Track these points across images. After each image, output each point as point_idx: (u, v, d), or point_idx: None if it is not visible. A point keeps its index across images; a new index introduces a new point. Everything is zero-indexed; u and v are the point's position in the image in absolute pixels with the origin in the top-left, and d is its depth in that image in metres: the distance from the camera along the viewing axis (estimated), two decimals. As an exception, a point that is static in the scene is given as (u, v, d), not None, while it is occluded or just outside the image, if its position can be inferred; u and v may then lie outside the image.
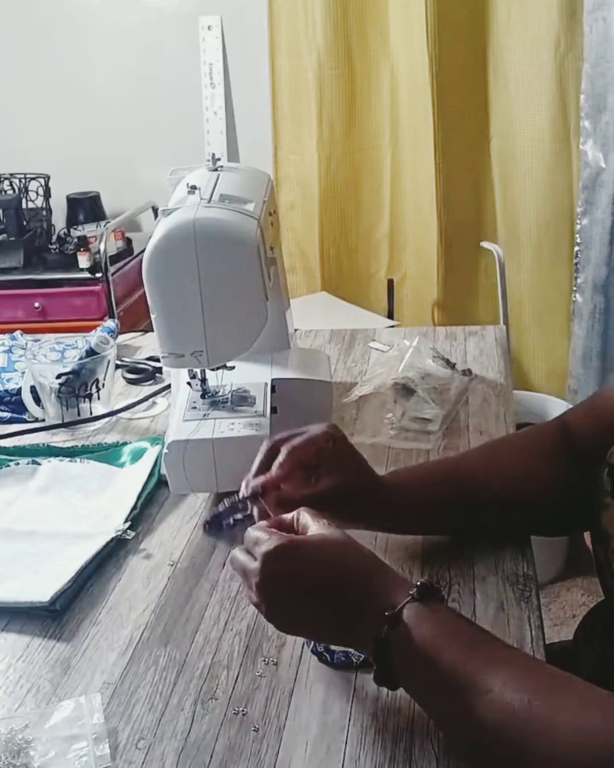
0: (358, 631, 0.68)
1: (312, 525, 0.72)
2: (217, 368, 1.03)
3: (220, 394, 1.06)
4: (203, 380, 1.05)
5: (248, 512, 0.85)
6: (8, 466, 1.13)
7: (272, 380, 1.11)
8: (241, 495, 0.84)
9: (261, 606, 0.70)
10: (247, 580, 0.71)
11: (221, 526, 0.92)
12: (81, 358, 1.24)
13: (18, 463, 1.13)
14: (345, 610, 0.68)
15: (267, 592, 0.69)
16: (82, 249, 2.42)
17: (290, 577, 0.69)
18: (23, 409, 1.27)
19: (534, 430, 1.01)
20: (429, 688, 0.66)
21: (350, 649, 0.78)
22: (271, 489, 0.82)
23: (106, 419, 1.25)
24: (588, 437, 0.90)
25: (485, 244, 2.39)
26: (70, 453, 1.16)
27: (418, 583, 0.67)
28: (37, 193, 2.56)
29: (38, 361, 1.26)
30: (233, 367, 1.04)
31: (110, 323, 1.39)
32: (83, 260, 2.41)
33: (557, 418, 0.99)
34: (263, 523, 0.75)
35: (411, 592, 0.67)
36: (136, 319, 2.24)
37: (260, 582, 0.68)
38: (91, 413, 1.24)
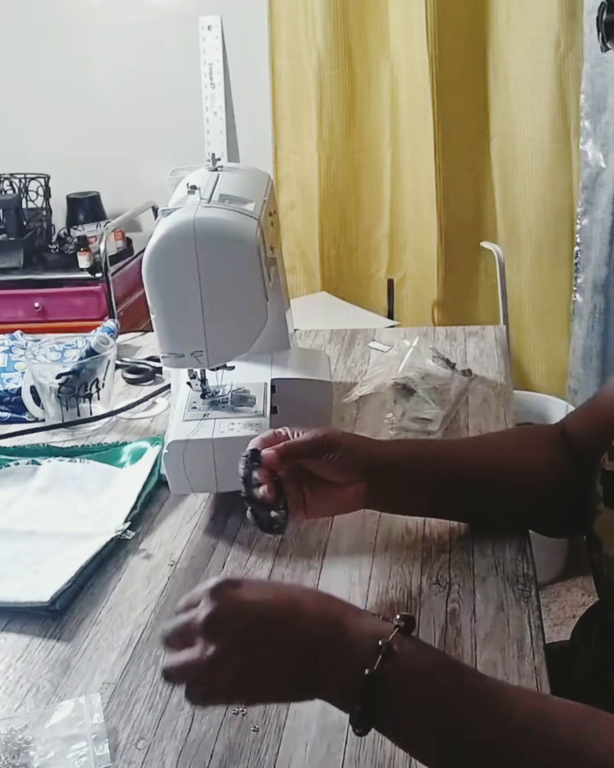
0: (336, 666, 0.60)
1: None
2: (217, 368, 1.03)
3: (220, 394, 1.06)
4: (203, 380, 1.05)
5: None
6: (8, 466, 1.13)
7: (272, 380, 1.11)
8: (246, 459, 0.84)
9: (213, 663, 0.60)
10: (188, 636, 0.62)
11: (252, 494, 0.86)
12: (81, 358, 1.24)
13: (18, 463, 1.13)
14: (316, 640, 0.61)
15: (216, 633, 0.61)
16: (82, 249, 2.42)
17: (244, 606, 0.62)
18: (23, 409, 1.27)
19: (533, 428, 1.02)
20: (434, 724, 0.60)
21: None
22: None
23: (106, 419, 1.25)
24: (586, 439, 0.90)
25: (485, 244, 2.39)
26: (70, 453, 1.16)
27: (399, 616, 0.62)
28: (37, 193, 2.56)
29: (38, 361, 1.26)
30: (233, 367, 1.04)
31: (110, 323, 1.39)
32: (83, 260, 2.41)
33: (558, 422, 0.99)
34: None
35: (396, 623, 0.61)
36: (136, 319, 2.24)
37: (208, 620, 0.60)
38: (91, 413, 1.24)
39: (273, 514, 0.83)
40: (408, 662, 0.60)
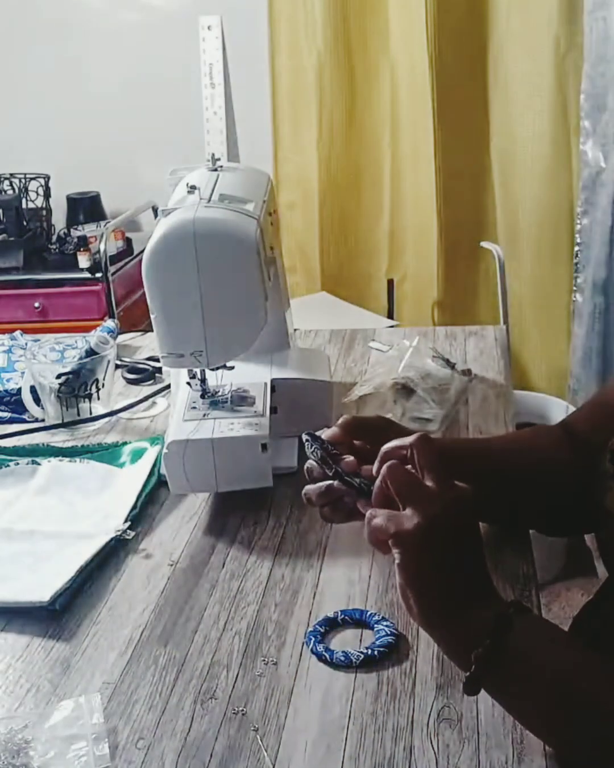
0: (478, 604, 0.66)
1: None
2: (217, 368, 1.03)
3: (220, 394, 1.06)
4: (203, 380, 1.05)
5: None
6: (8, 466, 1.13)
7: (272, 380, 1.11)
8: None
9: (420, 535, 0.66)
10: (411, 502, 0.67)
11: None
12: (81, 358, 1.24)
13: (18, 463, 1.13)
14: (477, 578, 0.68)
15: (437, 528, 0.66)
16: (82, 249, 2.43)
17: (462, 527, 0.68)
18: (23, 409, 1.27)
19: (540, 427, 1.02)
20: (556, 676, 0.65)
21: (350, 649, 0.78)
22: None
23: (106, 419, 1.25)
24: (591, 431, 0.90)
25: (485, 244, 2.39)
26: (70, 453, 1.16)
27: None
28: (37, 193, 2.57)
29: (38, 361, 1.26)
30: (233, 367, 1.04)
31: (110, 323, 1.39)
32: (83, 260, 2.41)
33: (559, 423, 0.99)
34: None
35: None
36: (136, 319, 2.24)
37: (437, 513, 0.66)
38: (90, 413, 1.24)
39: (361, 478, 0.78)
40: (539, 618, 0.71)
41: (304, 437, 0.81)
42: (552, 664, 0.65)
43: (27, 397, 1.26)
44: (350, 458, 0.79)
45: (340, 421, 0.83)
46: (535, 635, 0.66)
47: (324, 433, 0.82)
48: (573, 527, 1.00)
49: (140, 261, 0.97)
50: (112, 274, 2.40)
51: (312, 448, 0.80)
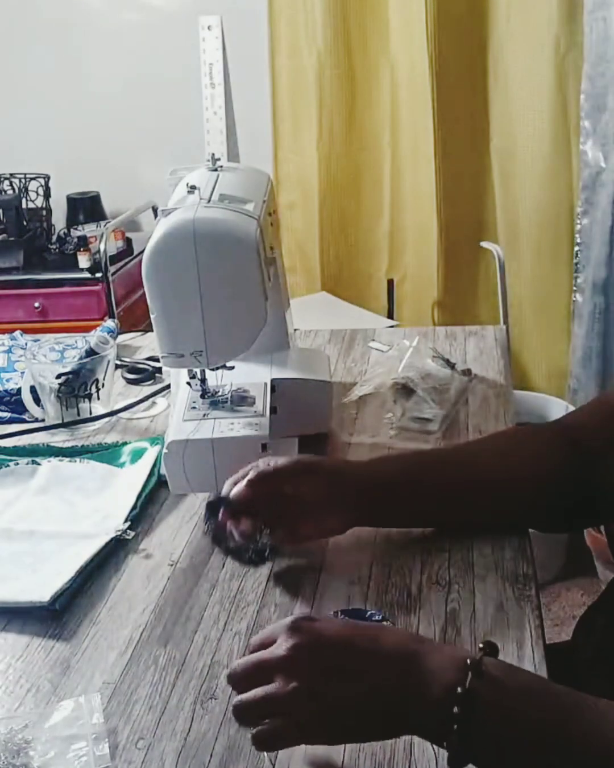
0: (420, 696, 0.59)
1: None
2: (217, 368, 1.03)
3: (220, 394, 1.06)
4: (203, 380, 1.05)
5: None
6: (8, 466, 1.13)
7: (272, 380, 1.11)
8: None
9: (296, 693, 0.59)
10: (262, 674, 0.61)
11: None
12: (81, 358, 1.24)
13: (18, 463, 1.13)
14: (397, 672, 0.60)
15: (299, 669, 0.60)
16: (82, 249, 2.42)
17: (326, 641, 0.61)
18: (23, 409, 1.27)
19: (527, 427, 1.03)
20: (530, 742, 0.58)
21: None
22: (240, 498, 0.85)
23: (106, 419, 1.25)
24: (595, 430, 0.91)
25: (485, 244, 2.39)
26: (70, 453, 1.16)
27: (482, 643, 0.61)
28: (37, 193, 2.56)
29: (38, 361, 1.26)
30: (233, 367, 1.04)
31: (110, 323, 1.39)
32: (83, 260, 2.41)
33: (554, 421, 1.00)
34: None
35: (481, 646, 0.60)
36: (136, 319, 2.24)
37: (290, 654, 0.60)
38: (90, 413, 1.24)
39: (259, 542, 0.86)
40: (500, 680, 0.58)
41: (205, 504, 0.85)
42: (532, 726, 0.58)
43: (27, 397, 1.26)
44: (248, 522, 0.85)
45: (247, 478, 0.85)
46: (503, 701, 0.58)
47: (233, 492, 0.84)
48: (573, 522, 1.00)
49: (140, 261, 0.97)
50: (112, 274, 2.40)
51: (207, 522, 0.85)
